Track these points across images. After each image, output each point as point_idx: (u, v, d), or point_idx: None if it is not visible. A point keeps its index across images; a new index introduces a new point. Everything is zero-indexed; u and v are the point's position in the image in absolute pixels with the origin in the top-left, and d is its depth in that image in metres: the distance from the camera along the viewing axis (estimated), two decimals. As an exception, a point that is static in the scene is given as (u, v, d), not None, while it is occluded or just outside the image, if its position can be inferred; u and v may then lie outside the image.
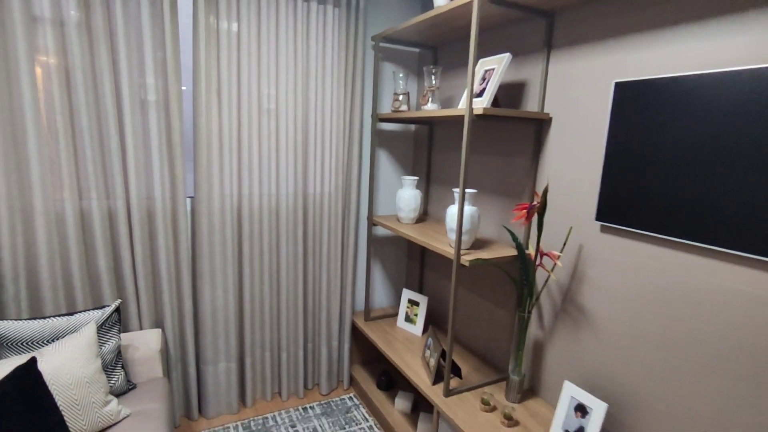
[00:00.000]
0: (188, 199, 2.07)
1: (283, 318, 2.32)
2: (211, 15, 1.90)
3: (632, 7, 1.39)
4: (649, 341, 1.39)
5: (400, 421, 2.16)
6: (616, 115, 1.42)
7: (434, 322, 2.52)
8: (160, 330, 1.97)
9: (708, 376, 1.24)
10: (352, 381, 2.59)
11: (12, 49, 1.59)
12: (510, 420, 1.64)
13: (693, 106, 1.21)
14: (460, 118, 1.83)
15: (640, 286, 1.41)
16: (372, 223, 2.40)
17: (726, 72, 1.13)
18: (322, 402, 2.42)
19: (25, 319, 1.60)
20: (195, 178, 2.03)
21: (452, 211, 1.77)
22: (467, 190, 1.75)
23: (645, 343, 1.40)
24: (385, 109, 2.47)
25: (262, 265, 2.23)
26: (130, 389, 1.76)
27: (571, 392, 1.56)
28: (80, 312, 1.69)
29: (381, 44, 2.37)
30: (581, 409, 1.53)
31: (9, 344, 1.55)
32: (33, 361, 1.37)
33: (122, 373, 1.72)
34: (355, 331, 2.60)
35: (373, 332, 2.36)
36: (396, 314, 2.60)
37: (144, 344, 1.87)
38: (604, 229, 1.51)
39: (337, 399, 2.46)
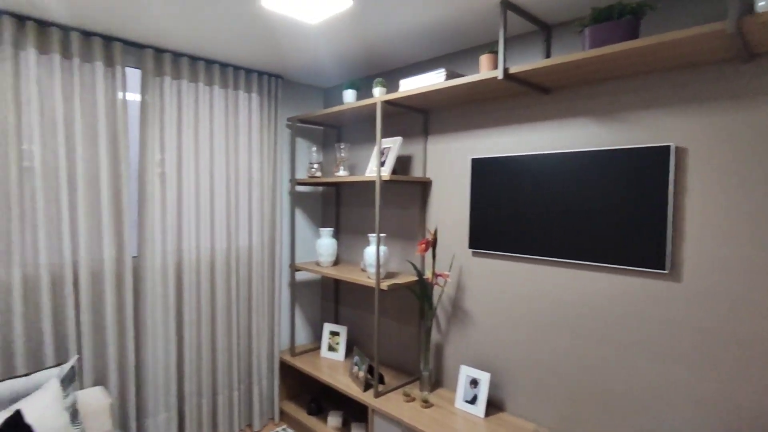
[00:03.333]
0: (132, 258, 2.25)
1: (220, 362, 2.55)
2: (156, 99, 2.25)
3: (478, 112, 2.23)
4: (510, 323, 2.12)
5: (334, 436, 2.53)
6: (474, 179, 2.20)
7: (352, 348, 2.99)
8: (102, 387, 2.06)
9: (551, 338, 2.00)
10: (283, 414, 2.85)
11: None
12: (426, 403, 2.19)
13: (519, 174, 2.03)
14: (369, 183, 2.45)
15: (499, 288, 2.15)
16: (295, 269, 2.83)
17: (537, 154, 1.98)
18: (258, 438, 2.64)
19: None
20: (139, 239, 2.24)
21: (370, 251, 2.35)
22: (381, 235, 2.36)
23: (507, 325, 2.13)
24: (299, 174, 2.99)
25: (200, 314, 2.46)
26: (87, 443, 1.83)
27: (466, 372, 2.20)
28: (36, 372, 1.76)
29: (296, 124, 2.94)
30: (474, 382, 2.17)
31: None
32: (19, 414, 1.47)
33: (81, 426, 1.80)
34: (284, 367, 2.90)
35: (301, 364, 2.72)
36: (317, 348, 2.99)
37: (95, 399, 1.96)
38: (474, 254, 2.25)
39: (272, 432, 2.71)
